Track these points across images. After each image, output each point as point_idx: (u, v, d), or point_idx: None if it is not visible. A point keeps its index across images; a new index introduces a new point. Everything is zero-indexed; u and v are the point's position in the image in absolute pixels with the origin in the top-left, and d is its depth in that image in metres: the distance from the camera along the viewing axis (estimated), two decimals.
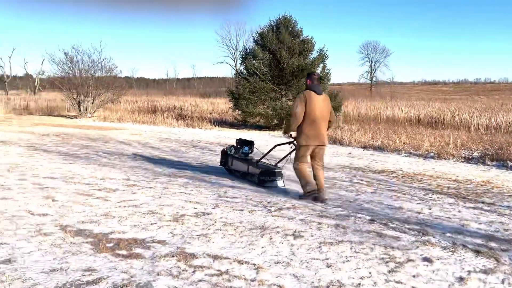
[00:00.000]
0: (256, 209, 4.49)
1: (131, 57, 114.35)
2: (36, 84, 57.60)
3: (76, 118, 20.91)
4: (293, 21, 17.09)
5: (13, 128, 14.07)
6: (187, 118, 19.97)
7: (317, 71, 5.29)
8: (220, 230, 3.75)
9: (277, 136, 14.50)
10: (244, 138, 7.02)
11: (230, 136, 13.89)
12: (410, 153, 9.98)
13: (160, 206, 4.51)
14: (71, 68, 22.33)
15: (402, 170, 7.68)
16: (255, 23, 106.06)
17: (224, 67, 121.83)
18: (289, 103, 17.08)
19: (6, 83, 58.50)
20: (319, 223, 4.03)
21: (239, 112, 17.65)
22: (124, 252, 3.16)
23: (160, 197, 4.94)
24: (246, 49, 18.19)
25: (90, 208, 4.35)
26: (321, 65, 17.22)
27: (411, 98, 38.23)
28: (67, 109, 24.24)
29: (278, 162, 6.29)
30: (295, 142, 5.31)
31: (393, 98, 35.85)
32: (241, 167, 6.38)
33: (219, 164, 7.01)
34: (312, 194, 5.03)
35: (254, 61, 17.20)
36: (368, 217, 4.33)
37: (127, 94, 27.94)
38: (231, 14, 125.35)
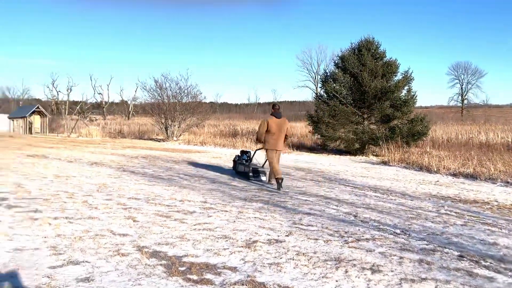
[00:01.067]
0: (332, 239, 4.28)
1: (216, 83, 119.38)
2: (130, 110, 62.37)
3: (164, 141, 22.11)
4: (376, 43, 16.69)
5: (107, 151, 15.21)
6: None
7: (277, 105, 8.26)
8: (293, 259, 3.60)
9: (358, 161, 14.02)
10: (245, 149, 10.08)
11: (308, 161, 13.71)
12: (507, 182, 9.03)
13: (234, 230, 4.48)
14: (160, 95, 23.87)
15: (497, 201, 6.94)
16: (337, 47, 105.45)
17: (305, 91, 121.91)
18: (372, 126, 16.54)
19: (104, 109, 64.14)
20: (401, 257, 3.72)
21: (319, 136, 17.44)
22: (195, 277, 3.15)
23: (234, 221, 4.93)
24: (327, 73, 18.07)
25: (167, 229, 4.45)
26: (406, 87, 16.52)
27: (508, 122, 35.05)
28: (156, 133, 25.81)
29: (263, 164, 8.92)
30: (265, 147, 7.99)
31: (487, 122, 33.18)
32: (241, 169, 9.20)
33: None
34: (278, 180, 7.58)
35: (334, 84, 17.00)
36: (456, 253, 3.91)
37: (210, 119, 29.14)
38: (312, 39, 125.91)
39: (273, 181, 8.11)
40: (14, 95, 68.08)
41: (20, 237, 3.96)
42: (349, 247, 4.01)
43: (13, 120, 35.92)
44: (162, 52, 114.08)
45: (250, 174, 8.76)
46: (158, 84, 24.21)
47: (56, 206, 5.34)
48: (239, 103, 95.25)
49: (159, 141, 22.36)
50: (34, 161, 10.48)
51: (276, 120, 7.82)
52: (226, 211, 5.50)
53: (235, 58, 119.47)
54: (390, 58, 16.62)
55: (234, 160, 9.66)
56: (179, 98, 23.80)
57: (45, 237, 3.98)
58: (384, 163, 13.32)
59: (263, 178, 8.67)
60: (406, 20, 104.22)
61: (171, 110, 22.81)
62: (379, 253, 3.86)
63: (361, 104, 16.43)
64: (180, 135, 23.12)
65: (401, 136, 15.31)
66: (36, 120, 35.99)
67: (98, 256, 3.51)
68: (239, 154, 9.64)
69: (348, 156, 15.83)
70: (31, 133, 33.72)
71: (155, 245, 3.89)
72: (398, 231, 4.75)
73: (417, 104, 18.39)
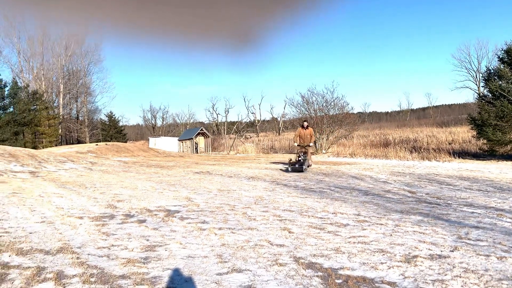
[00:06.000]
0: (508, 256, 3.76)
1: (363, 92, 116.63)
2: (280, 126, 65.07)
3: (313, 154, 22.41)
4: None
5: (261, 165, 16.10)
6: (422, 150, 18.80)
7: (306, 121, 13.71)
8: (460, 277, 3.27)
9: None
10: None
11: (473, 169, 12.33)
12: None
13: (391, 244, 4.28)
14: (307, 109, 24.36)
15: None
16: (500, 40, 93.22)
17: (465, 92, 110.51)
18: None
19: (257, 126, 68.22)
20: None
21: (484, 141, 15.57)
22: None
23: (391, 234, 4.71)
24: (489, 70, 16.11)
25: (321, 241, 4.49)
26: None
27: None
28: (313, 147, 26.40)
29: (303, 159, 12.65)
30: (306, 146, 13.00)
31: None
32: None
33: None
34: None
35: (500, 82, 15.05)
36: None
37: (359, 129, 28.53)
38: (469, 35, 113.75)
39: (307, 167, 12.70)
40: (181, 120, 77.33)
41: (192, 245, 4.44)
42: None
43: (182, 142, 40.77)
44: (309, 65, 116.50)
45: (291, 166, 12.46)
46: (304, 99, 24.83)
47: (220, 217, 5.86)
48: (389, 111, 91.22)
49: (312, 154, 22.75)
50: (200, 177, 11.69)
51: (303, 129, 13.28)
52: (382, 224, 5.29)
53: (382, 64, 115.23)
54: None
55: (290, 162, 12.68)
56: (325, 111, 23.97)
57: (212, 246, 4.38)
58: None
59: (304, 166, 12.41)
60: None
61: (319, 123, 23.06)
62: None
63: None
64: (328, 148, 23.17)
65: None
66: (201, 140, 40.21)
67: (259, 265, 3.72)
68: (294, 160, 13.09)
69: None
70: (197, 152, 37.77)
71: (311, 256, 3.96)
72: None
73: None
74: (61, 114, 47.57)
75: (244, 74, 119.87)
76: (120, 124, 55.66)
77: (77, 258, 3.94)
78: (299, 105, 25.22)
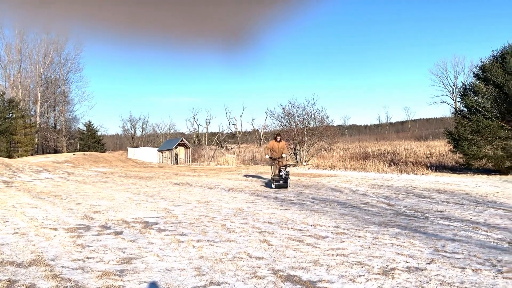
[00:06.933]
0: (482, 268, 3.81)
1: (343, 106, 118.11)
2: (261, 137, 65.24)
3: (293, 166, 22.48)
4: None
5: (241, 177, 16.06)
6: (401, 163, 19.09)
7: (279, 135, 13.07)
8: None
9: (510, 181, 12.38)
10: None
11: (450, 182, 12.56)
12: None
13: (369, 257, 4.30)
14: (288, 121, 24.52)
15: None
16: (475, 56, 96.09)
17: (442, 107, 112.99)
18: None
19: (238, 138, 68.23)
20: None
21: (461, 155, 15.91)
22: None
23: (369, 247, 4.73)
24: (465, 86, 16.53)
25: (300, 254, 4.47)
26: None
27: None
28: (286, 159, 26.47)
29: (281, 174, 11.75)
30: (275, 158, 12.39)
31: None
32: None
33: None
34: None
35: (475, 97, 15.45)
36: None
37: (339, 142, 28.81)
38: (446, 51, 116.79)
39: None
40: (162, 130, 76.74)
41: (169, 258, 4.37)
42: (503, 278, 3.53)
43: (161, 153, 40.40)
44: (289, 78, 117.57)
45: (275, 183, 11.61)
46: (285, 111, 24.99)
47: (199, 229, 5.79)
48: (368, 124, 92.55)
49: (288, 166, 22.82)
50: (179, 188, 11.57)
51: (276, 142, 12.71)
52: (360, 236, 5.32)
53: (362, 78, 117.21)
54: None
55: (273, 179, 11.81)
56: (306, 123, 24.14)
57: (190, 259, 4.32)
58: None
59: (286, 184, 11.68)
60: None
61: (299, 136, 23.21)
62: None
63: (509, 117, 14.56)
64: (309, 160, 23.30)
65: None
66: (181, 151, 39.92)
67: (237, 278, 3.68)
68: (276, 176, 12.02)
69: (498, 176, 14.09)
70: (177, 163, 37.46)
71: (289, 269, 3.94)
72: None
73: None
74: (38, 122, 46.60)
75: (226, 82, 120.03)
76: (99, 133, 54.81)
77: (51, 270, 3.83)
78: (280, 117, 25.38)
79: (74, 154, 30.52)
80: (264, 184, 12.93)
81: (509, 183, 12.04)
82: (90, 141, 49.74)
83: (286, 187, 11.55)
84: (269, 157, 12.77)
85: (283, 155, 12.75)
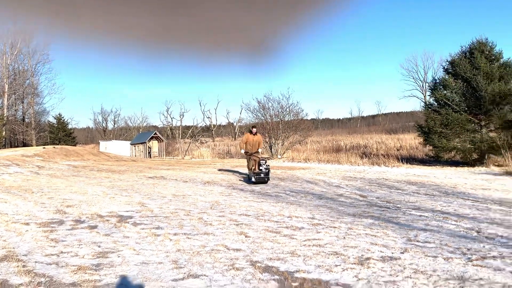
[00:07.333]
0: (453, 257, 3.95)
1: (317, 100, 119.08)
2: (235, 131, 65.16)
3: (268, 159, 22.59)
4: (490, 44, 15.30)
5: (217, 170, 16.02)
6: (372, 156, 19.46)
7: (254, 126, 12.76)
8: (410, 277, 3.41)
9: (478, 173, 12.82)
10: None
11: (420, 174, 12.90)
12: None
13: (344, 247, 4.39)
14: (263, 115, 24.58)
15: None
16: (445, 51, 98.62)
17: (412, 101, 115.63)
18: (491, 134, 15.07)
19: (212, 131, 67.95)
20: None
21: (430, 147, 16.36)
22: None
23: (344, 237, 4.83)
24: (435, 80, 16.97)
25: (277, 245, 4.52)
26: None
27: None
28: (261, 152, 26.56)
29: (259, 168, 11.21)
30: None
31: None
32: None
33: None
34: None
35: (445, 91, 15.90)
36: None
37: (312, 135, 29.10)
38: (417, 46, 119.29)
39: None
40: (134, 123, 75.47)
41: (146, 251, 4.34)
42: (473, 265, 3.67)
43: (134, 146, 39.81)
44: (265, 72, 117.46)
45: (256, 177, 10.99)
46: (261, 104, 25.02)
47: (175, 223, 5.76)
48: (341, 118, 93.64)
49: (264, 159, 22.92)
50: (154, 182, 11.44)
51: (251, 135, 12.11)
52: (335, 227, 5.41)
53: (335, 72, 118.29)
54: (508, 59, 15.05)
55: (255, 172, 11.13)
56: (281, 116, 24.27)
57: (167, 252, 4.30)
58: (509, 173, 11.98)
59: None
60: None
61: (274, 129, 23.32)
62: (510, 272, 3.46)
63: (477, 110, 15.07)
64: (283, 153, 23.44)
65: None
66: (154, 145, 39.43)
67: (215, 270, 3.69)
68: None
69: (466, 168, 14.55)
70: (150, 157, 36.99)
71: (267, 260, 3.98)
72: None
73: None
74: (5, 115, 45.02)
75: (199, 76, 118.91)
76: (69, 126, 53.38)
77: (23, 266, 3.74)
78: (255, 111, 25.39)
79: (44, 148, 29.69)
80: (240, 177, 12.94)
81: (476, 174, 12.46)
82: (61, 134, 48.47)
83: (267, 181, 11.09)
84: (245, 152, 12.18)
85: (259, 150, 12.19)
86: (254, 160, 11.56)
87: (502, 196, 8.08)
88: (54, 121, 50.81)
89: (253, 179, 10.95)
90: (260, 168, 11.04)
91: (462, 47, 16.03)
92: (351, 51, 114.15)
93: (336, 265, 3.77)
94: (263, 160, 11.35)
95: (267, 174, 11.04)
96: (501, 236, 4.77)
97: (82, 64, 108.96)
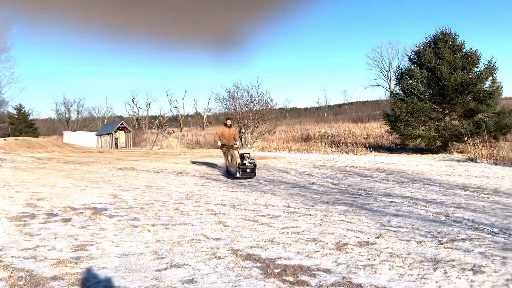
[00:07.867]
0: (426, 240, 4.15)
1: (284, 89, 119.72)
2: (204, 121, 64.68)
3: (239, 149, 22.63)
4: (453, 34, 15.86)
5: (187, 160, 15.93)
6: (341, 144, 19.86)
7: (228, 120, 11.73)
8: (387, 261, 3.56)
9: (442, 160, 13.35)
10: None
11: (388, 161, 13.30)
12: None
13: (322, 234, 4.51)
14: (233, 104, 24.55)
15: None
16: (409, 42, 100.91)
17: (377, 90, 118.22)
18: (454, 122, 15.69)
19: (180, 121, 67.17)
20: (504, 257, 3.52)
21: (397, 136, 16.86)
22: (291, 278, 3.23)
23: (320, 224, 4.95)
24: (401, 69, 17.44)
25: (256, 233, 4.59)
26: (490, 78, 15.49)
27: None
28: (239, 147, 26.58)
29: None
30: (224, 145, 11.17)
31: None
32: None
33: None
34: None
35: (410, 81, 16.40)
36: None
37: (281, 125, 29.33)
38: (382, 37, 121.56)
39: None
40: (99, 113, 73.57)
41: (125, 243, 4.31)
42: (444, 248, 3.87)
43: (100, 137, 38.90)
44: (234, 61, 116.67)
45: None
46: (230, 94, 24.98)
47: (151, 214, 5.73)
48: (308, 107, 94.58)
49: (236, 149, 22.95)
50: (125, 173, 11.27)
51: (226, 128, 11.26)
52: (311, 214, 5.54)
53: (302, 61, 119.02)
54: (470, 49, 15.67)
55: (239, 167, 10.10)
56: (251, 106, 24.34)
57: (146, 243, 4.29)
58: (471, 160, 12.55)
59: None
60: (485, 5, 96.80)
61: (244, 119, 23.36)
62: (479, 253, 3.68)
63: (441, 99, 15.64)
64: (254, 142, 23.56)
65: (488, 130, 14.35)
66: (121, 135, 38.64)
67: (197, 259, 3.72)
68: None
69: (430, 155, 15.12)
70: (117, 148, 36.25)
71: (248, 248, 4.04)
72: (496, 230, 4.49)
73: (504, 95, 17.16)
74: None
75: (166, 66, 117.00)
76: (31, 117, 51.51)
77: (0, 261, 3.64)
78: (225, 100, 25.34)
79: (5, 140, 28.56)
80: (212, 168, 12.93)
81: (441, 161, 12.97)
82: (22, 126, 46.67)
83: (253, 176, 10.05)
84: (222, 145, 11.16)
85: (237, 143, 11.49)
86: (232, 154, 10.95)
87: (466, 181, 8.47)
88: (15, 112, 48.82)
89: (237, 175, 10.01)
90: (244, 162, 10.12)
91: (426, 37, 16.54)
92: (318, 40, 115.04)
93: (315, 251, 3.88)
94: (247, 154, 10.50)
95: (253, 169, 10.06)
96: (468, 220, 5.02)
97: (42, 52, 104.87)
